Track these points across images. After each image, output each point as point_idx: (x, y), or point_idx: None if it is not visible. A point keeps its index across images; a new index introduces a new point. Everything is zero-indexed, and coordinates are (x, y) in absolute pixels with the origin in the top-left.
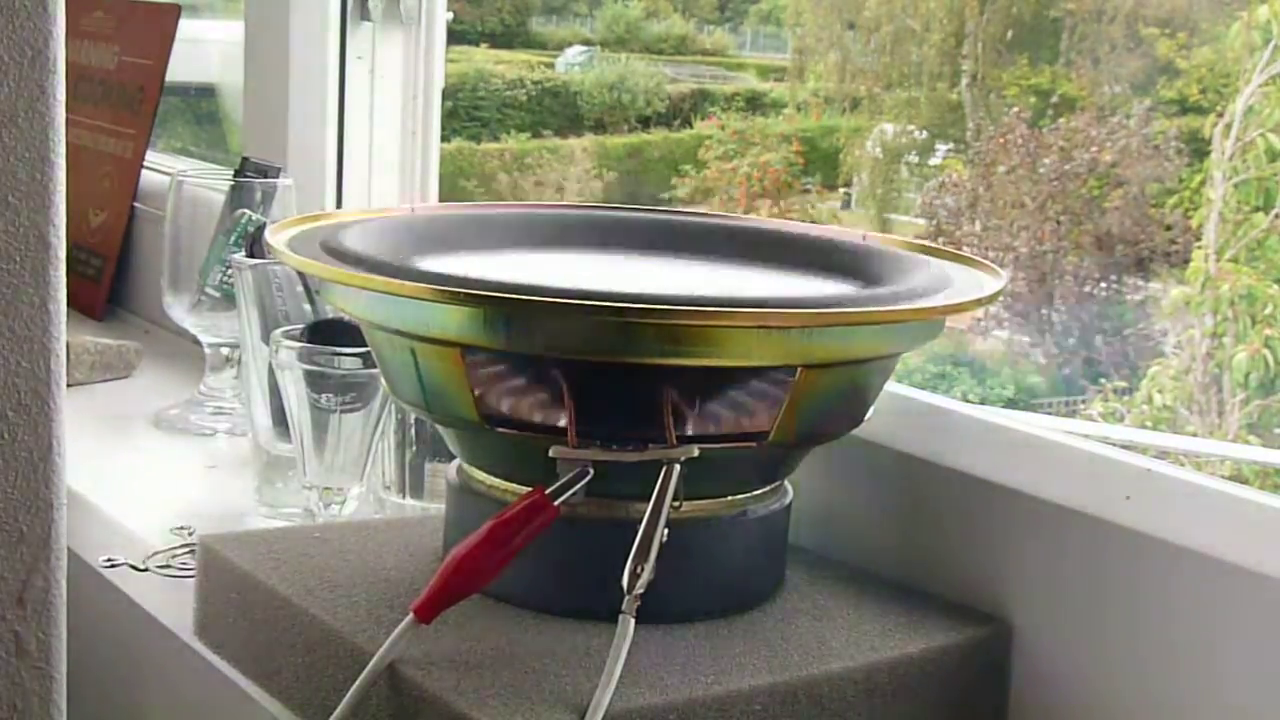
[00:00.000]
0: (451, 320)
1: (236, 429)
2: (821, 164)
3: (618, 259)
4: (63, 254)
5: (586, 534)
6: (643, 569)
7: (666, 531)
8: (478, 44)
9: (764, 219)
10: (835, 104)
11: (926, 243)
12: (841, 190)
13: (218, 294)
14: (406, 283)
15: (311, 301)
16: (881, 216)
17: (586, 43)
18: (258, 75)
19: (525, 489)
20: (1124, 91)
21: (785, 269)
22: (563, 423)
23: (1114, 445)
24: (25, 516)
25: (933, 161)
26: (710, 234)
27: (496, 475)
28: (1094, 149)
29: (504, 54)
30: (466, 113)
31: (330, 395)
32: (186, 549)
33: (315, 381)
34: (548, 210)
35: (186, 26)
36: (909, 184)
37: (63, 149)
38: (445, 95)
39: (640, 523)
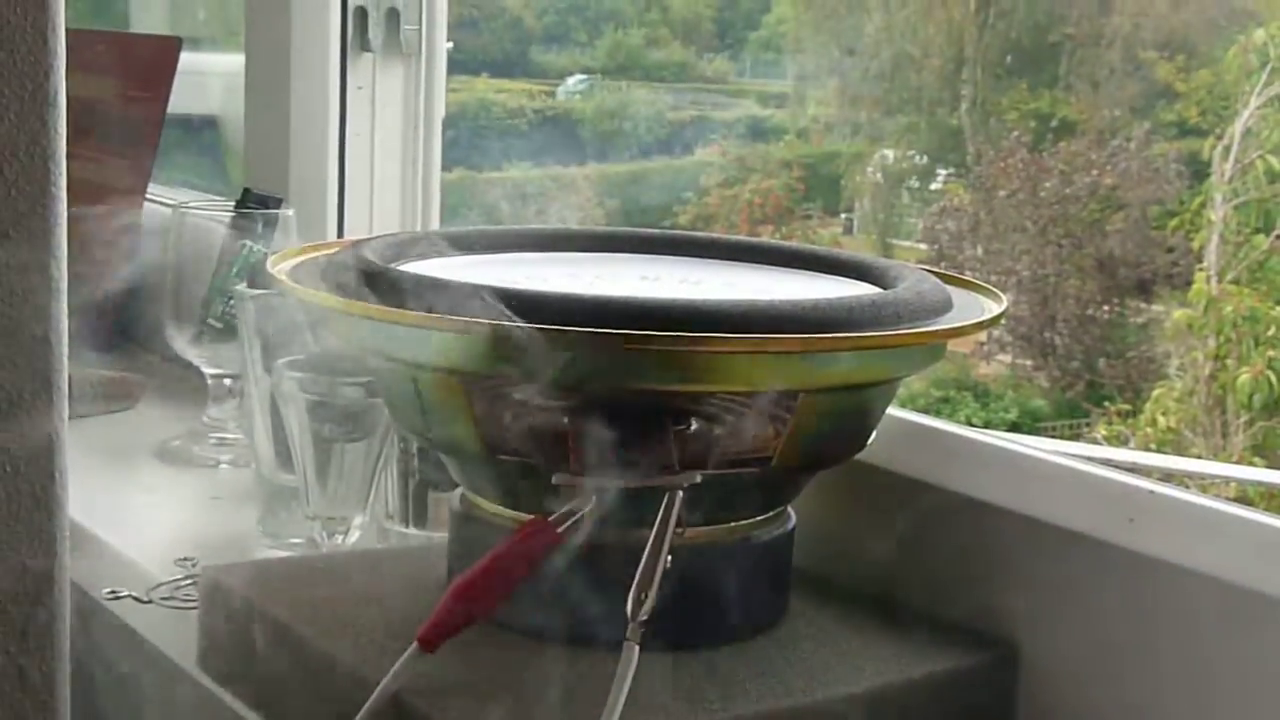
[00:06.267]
0: (452, 349)
1: (239, 460)
2: (823, 190)
3: (618, 260)
4: (64, 287)
5: (590, 561)
6: (646, 596)
7: (669, 558)
8: (478, 73)
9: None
10: (835, 130)
11: (927, 267)
12: (843, 215)
13: (220, 325)
14: (407, 312)
15: (314, 331)
16: (884, 241)
17: (587, 71)
18: (259, 107)
19: (528, 517)
20: (1123, 115)
21: (781, 268)
22: (565, 450)
23: (1118, 468)
24: (28, 549)
25: (933, 186)
26: (705, 242)
27: (499, 503)
28: (1094, 172)
29: (504, 83)
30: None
31: (333, 425)
32: (190, 580)
33: (318, 411)
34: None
35: (187, 59)
36: (910, 209)
37: (64, 182)
38: (445, 124)
39: (643, 550)
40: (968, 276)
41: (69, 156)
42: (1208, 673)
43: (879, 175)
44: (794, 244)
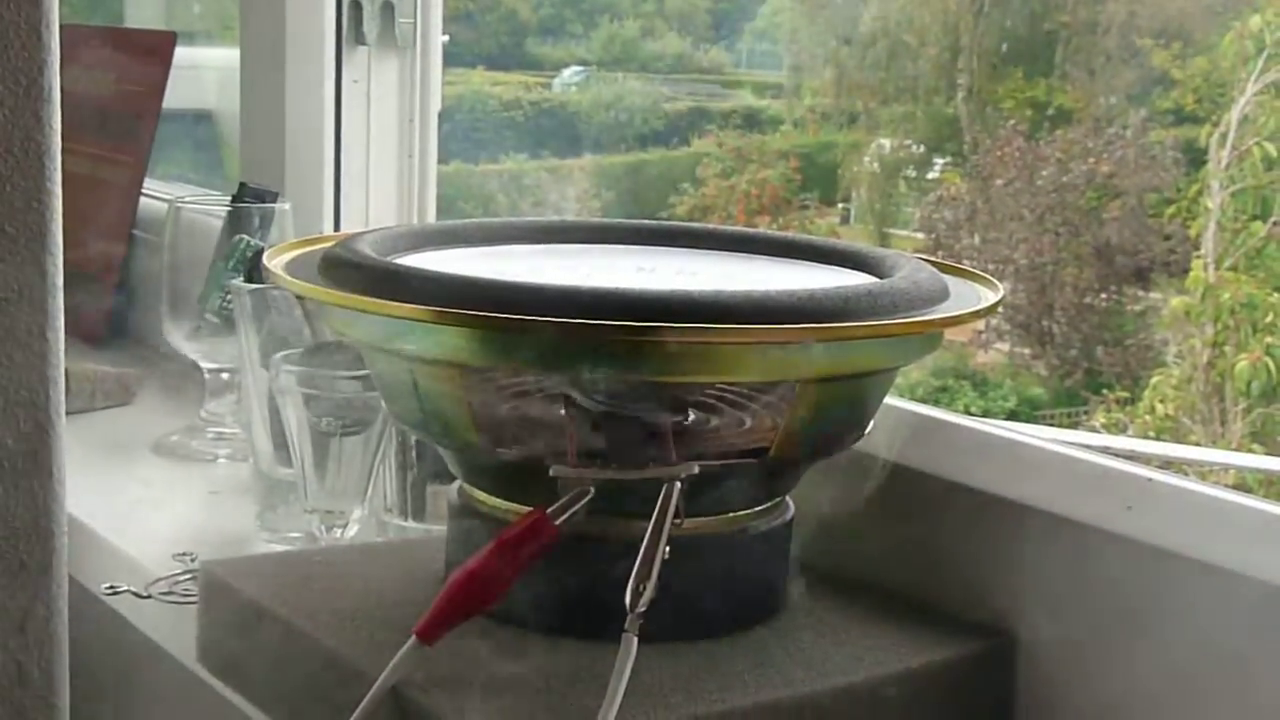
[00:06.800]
0: (450, 341)
1: (237, 454)
2: (819, 179)
3: (614, 251)
4: (60, 282)
5: (588, 553)
6: (645, 587)
7: (668, 549)
8: (474, 66)
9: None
10: (832, 119)
11: (924, 256)
12: (840, 205)
13: (217, 319)
14: (403, 304)
15: (310, 325)
16: (881, 231)
17: (583, 63)
18: (254, 101)
19: (526, 509)
20: (1120, 102)
21: (778, 259)
22: (563, 442)
23: (1116, 455)
24: (26, 545)
25: (930, 175)
26: (703, 233)
27: (497, 496)
28: (1091, 160)
29: (500, 75)
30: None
31: (330, 418)
32: (189, 575)
33: (315, 405)
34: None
35: (182, 54)
36: (907, 198)
37: (59, 177)
38: (441, 117)
39: (642, 541)
40: (965, 265)
41: (64, 152)
42: (1206, 660)
43: (876, 165)
44: (790, 234)
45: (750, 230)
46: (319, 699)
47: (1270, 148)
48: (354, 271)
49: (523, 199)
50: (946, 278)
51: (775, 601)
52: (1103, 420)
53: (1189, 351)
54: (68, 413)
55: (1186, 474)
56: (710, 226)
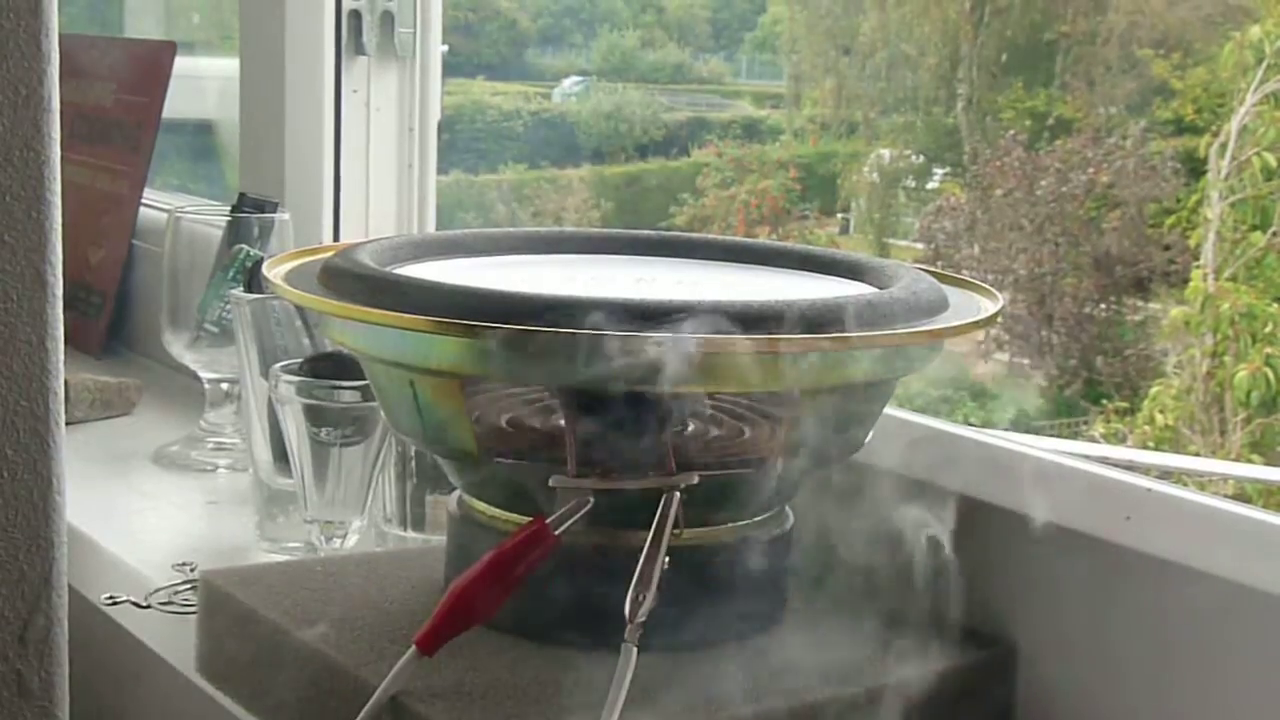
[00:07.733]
0: (450, 352)
1: (237, 464)
2: (819, 190)
3: (613, 261)
4: (60, 292)
5: (588, 563)
6: (644, 597)
7: (667, 559)
8: (474, 76)
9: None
10: (832, 130)
11: (924, 266)
12: (840, 215)
13: (216, 329)
14: (404, 315)
15: (310, 335)
16: (880, 241)
17: (582, 73)
18: (254, 110)
19: (526, 519)
20: (1120, 112)
21: (777, 269)
22: (562, 452)
23: (1116, 466)
24: (26, 555)
25: (930, 185)
26: (702, 243)
27: (497, 506)
28: (1091, 170)
29: (500, 85)
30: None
31: (330, 429)
32: (188, 585)
33: (315, 415)
34: (545, 230)
35: (182, 64)
36: (907, 208)
37: (59, 187)
38: (441, 127)
39: (641, 551)
40: (964, 275)
41: (64, 162)
42: (1206, 670)
43: (875, 175)
44: (790, 244)
45: (749, 240)
46: (318, 709)
47: (1270, 158)
48: (354, 281)
49: (522, 209)
50: (946, 288)
51: (775, 611)
52: (1102, 430)
53: (1188, 362)
54: (67, 423)
55: (1185, 484)
56: (709, 237)
